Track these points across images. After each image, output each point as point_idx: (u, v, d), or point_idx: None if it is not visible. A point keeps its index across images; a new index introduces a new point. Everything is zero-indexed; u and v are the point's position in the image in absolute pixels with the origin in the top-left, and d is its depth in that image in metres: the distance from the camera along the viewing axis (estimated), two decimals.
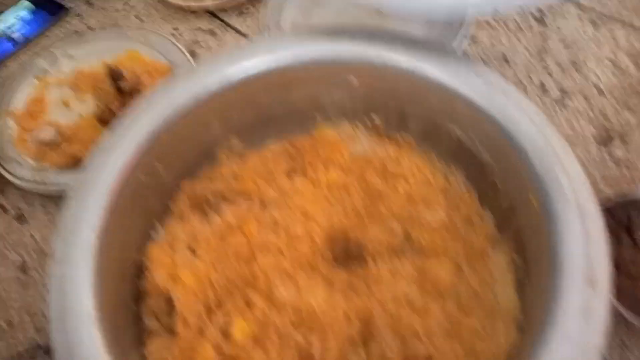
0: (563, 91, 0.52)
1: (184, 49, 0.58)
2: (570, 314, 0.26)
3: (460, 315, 0.35)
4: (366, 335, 0.34)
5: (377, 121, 0.46)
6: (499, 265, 0.38)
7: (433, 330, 0.34)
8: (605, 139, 0.48)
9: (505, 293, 0.36)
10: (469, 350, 0.33)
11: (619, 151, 0.47)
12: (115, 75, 0.56)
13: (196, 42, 0.61)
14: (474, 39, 0.57)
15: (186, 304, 0.35)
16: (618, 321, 0.39)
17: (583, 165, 0.46)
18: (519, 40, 0.56)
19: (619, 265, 0.38)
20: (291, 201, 0.43)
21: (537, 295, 0.30)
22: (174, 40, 0.58)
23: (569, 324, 0.26)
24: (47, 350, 0.41)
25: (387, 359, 0.32)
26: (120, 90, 0.55)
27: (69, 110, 0.56)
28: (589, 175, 0.46)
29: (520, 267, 0.36)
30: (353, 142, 0.48)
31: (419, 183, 0.44)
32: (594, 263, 0.28)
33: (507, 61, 0.54)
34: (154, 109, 0.37)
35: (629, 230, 0.39)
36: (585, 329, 0.26)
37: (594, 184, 0.45)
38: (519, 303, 0.35)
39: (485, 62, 0.50)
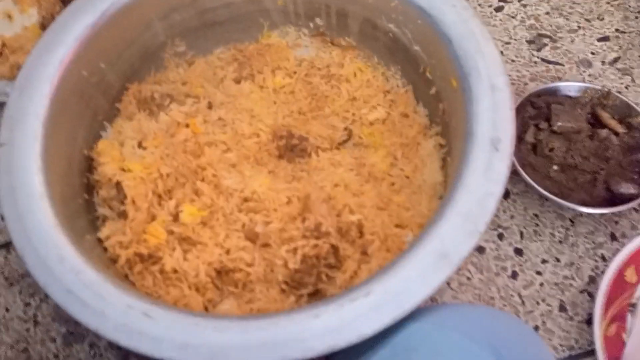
0: None
1: None
2: (473, 170, 0.30)
3: (391, 194, 0.39)
4: (305, 212, 0.37)
5: (320, 24, 0.47)
6: (428, 150, 0.41)
7: (365, 205, 0.37)
8: (536, 41, 0.51)
9: (432, 173, 0.39)
10: (395, 218, 0.37)
11: (547, 52, 0.50)
12: None
13: None
14: None
15: (136, 190, 0.37)
16: (533, 197, 0.43)
17: (515, 65, 0.50)
18: None
19: (537, 148, 0.42)
20: (238, 103, 0.45)
21: (454, 164, 0.34)
22: None
23: (471, 179, 0.30)
24: (5, 245, 0.44)
25: (322, 228, 0.36)
26: (63, 0, 0.54)
27: (12, 22, 0.55)
28: (520, 73, 0.49)
29: (445, 147, 0.39)
30: (298, 47, 0.49)
31: (361, 84, 0.46)
32: (499, 129, 0.31)
33: None
34: (92, 3, 0.38)
35: (547, 118, 0.42)
36: (483, 180, 0.29)
37: (522, 79, 0.49)
38: (442, 178, 0.38)
39: None
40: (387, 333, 0.28)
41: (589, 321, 0.39)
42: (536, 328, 0.39)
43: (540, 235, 0.42)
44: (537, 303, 0.39)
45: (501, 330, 0.30)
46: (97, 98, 0.41)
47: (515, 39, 0.51)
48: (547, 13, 0.53)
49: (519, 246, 0.41)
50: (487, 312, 0.33)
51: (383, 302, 0.27)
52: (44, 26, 0.53)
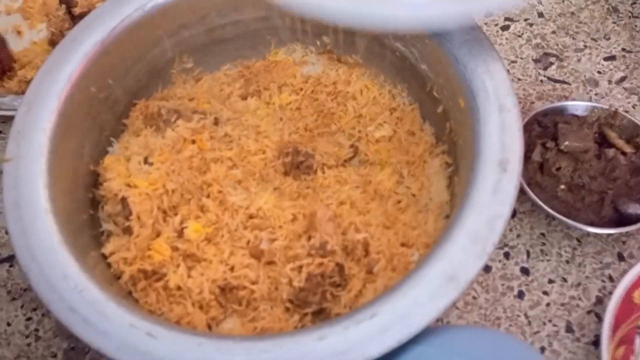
0: (508, 17, 0.54)
1: None
2: (481, 190, 0.30)
3: (397, 212, 0.39)
4: (310, 230, 0.37)
5: (328, 42, 0.48)
6: (435, 168, 0.41)
7: (371, 223, 0.37)
8: (542, 60, 0.51)
9: (438, 192, 0.39)
10: (401, 237, 0.36)
11: (554, 71, 0.50)
12: (68, 3, 0.56)
13: None
14: None
15: (141, 206, 0.37)
16: (540, 216, 0.43)
17: (521, 83, 0.50)
18: None
19: (544, 167, 0.42)
20: (244, 119, 0.45)
21: (461, 183, 0.34)
22: None
23: (479, 200, 0.29)
24: (9, 259, 0.44)
25: (328, 246, 0.35)
26: (73, 17, 0.55)
27: (21, 38, 0.55)
28: (526, 91, 0.49)
29: (452, 166, 0.39)
30: (305, 64, 0.50)
31: (367, 101, 0.47)
32: (508, 150, 0.31)
33: None
34: (101, 20, 0.38)
35: (554, 137, 0.42)
36: (492, 201, 0.29)
37: (528, 98, 0.49)
38: (449, 197, 0.38)
39: None
40: (391, 355, 0.28)
41: (596, 343, 0.38)
42: (542, 349, 0.38)
43: (547, 254, 0.41)
44: (544, 323, 0.39)
45: (507, 355, 0.30)
46: (104, 113, 0.41)
47: (521, 58, 0.51)
48: (554, 32, 0.53)
49: (525, 265, 0.41)
50: (492, 336, 0.33)
51: (389, 324, 0.26)
52: (52, 42, 0.53)
